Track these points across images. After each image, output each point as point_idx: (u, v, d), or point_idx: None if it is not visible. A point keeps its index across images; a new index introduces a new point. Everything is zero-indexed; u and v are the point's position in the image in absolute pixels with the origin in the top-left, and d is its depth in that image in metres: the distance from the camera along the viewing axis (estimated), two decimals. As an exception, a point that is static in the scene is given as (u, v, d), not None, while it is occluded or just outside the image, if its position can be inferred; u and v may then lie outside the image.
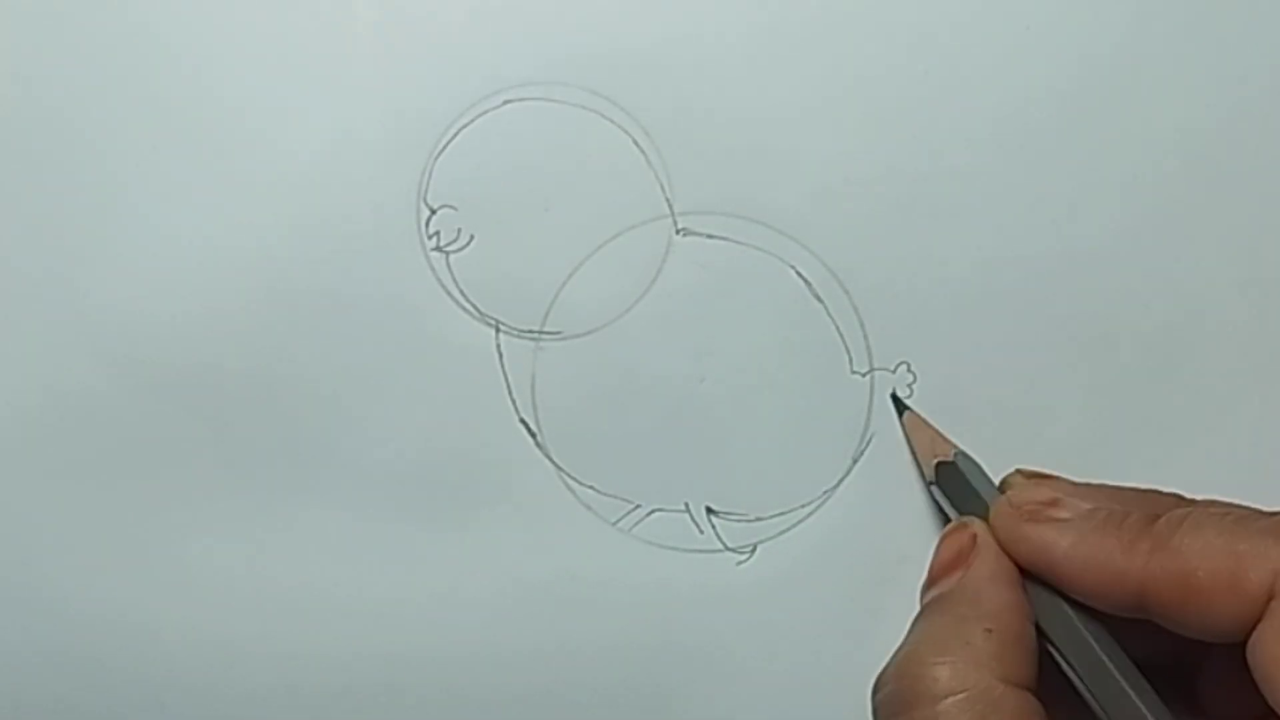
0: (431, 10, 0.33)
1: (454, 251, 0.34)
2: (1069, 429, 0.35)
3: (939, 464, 0.32)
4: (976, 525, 0.30)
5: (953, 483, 0.32)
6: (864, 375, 0.35)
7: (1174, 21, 0.35)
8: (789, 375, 0.34)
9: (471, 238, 0.34)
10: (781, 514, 0.34)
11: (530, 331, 0.34)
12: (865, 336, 0.34)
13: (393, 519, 0.34)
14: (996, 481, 0.32)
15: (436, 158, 0.34)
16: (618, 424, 0.34)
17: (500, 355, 0.34)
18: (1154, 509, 0.28)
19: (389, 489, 0.34)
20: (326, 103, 0.33)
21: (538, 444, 0.34)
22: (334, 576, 0.34)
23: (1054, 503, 0.29)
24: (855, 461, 0.35)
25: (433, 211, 0.34)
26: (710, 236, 0.34)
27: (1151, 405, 0.35)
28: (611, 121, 0.34)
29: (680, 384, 0.34)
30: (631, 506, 0.34)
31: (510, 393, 0.34)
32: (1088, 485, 0.31)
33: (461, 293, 0.34)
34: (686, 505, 0.34)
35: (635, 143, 0.34)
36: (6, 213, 0.33)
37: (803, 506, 0.34)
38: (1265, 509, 0.27)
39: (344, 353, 0.34)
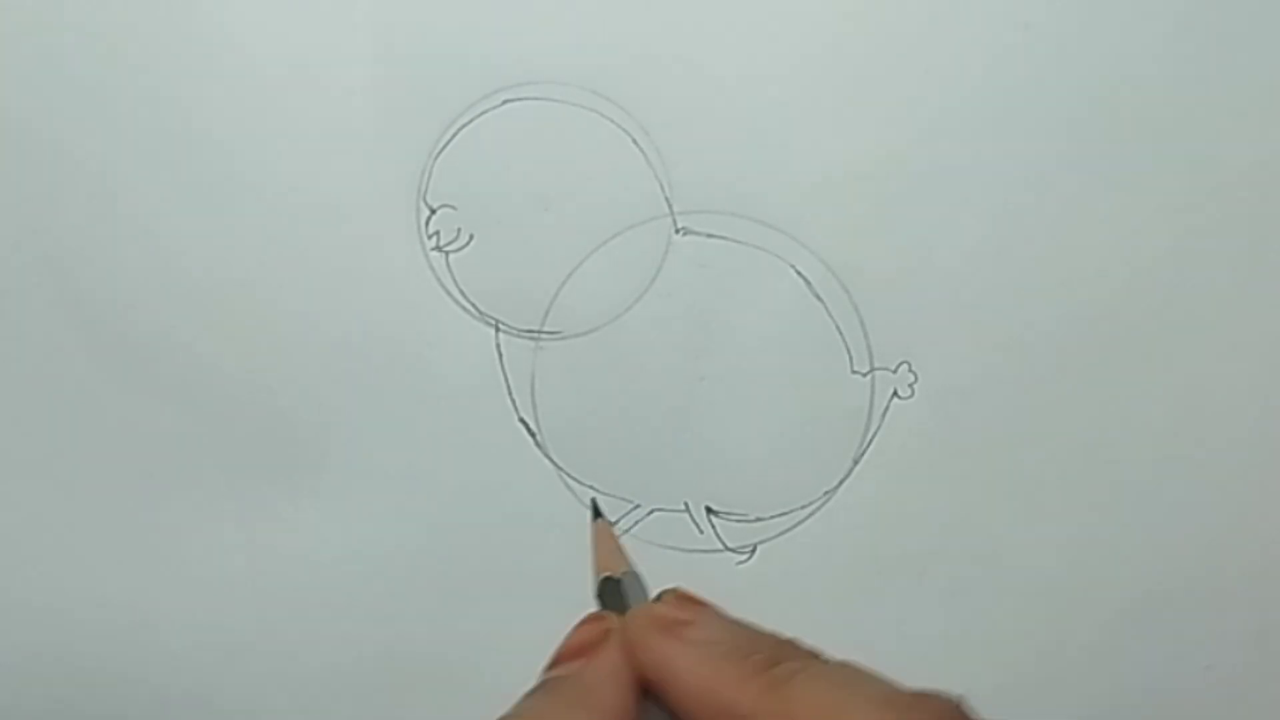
0: (431, 10, 0.33)
1: (454, 251, 0.34)
2: (1069, 429, 0.35)
3: (604, 578, 0.32)
4: (613, 621, 0.31)
5: (613, 599, 0.32)
6: (864, 375, 0.34)
7: (1173, 20, 0.35)
8: (789, 375, 0.34)
9: (471, 237, 0.34)
10: (781, 514, 0.34)
11: (530, 331, 0.34)
12: (866, 335, 0.34)
13: (392, 519, 0.34)
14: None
15: (436, 158, 0.34)
16: (618, 424, 0.34)
17: (500, 355, 0.34)
18: (786, 656, 0.28)
19: (389, 488, 0.34)
20: (326, 102, 0.33)
21: (538, 444, 0.34)
22: (334, 576, 0.34)
23: (689, 623, 0.29)
24: (855, 462, 0.35)
25: (433, 211, 0.34)
26: (710, 235, 0.34)
27: (1152, 405, 0.35)
28: (611, 121, 0.34)
29: (680, 384, 0.34)
30: (631, 506, 0.34)
31: (510, 392, 0.34)
32: (737, 622, 0.31)
33: (461, 292, 0.34)
34: (686, 505, 0.34)
35: (635, 142, 0.34)
36: (6, 213, 0.33)
37: (803, 507, 0.34)
38: (898, 682, 0.27)
39: (344, 352, 0.34)
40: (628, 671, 0.29)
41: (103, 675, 0.34)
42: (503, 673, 0.34)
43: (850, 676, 0.27)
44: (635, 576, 0.32)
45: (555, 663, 0.31)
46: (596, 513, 0.34)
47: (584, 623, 0.31)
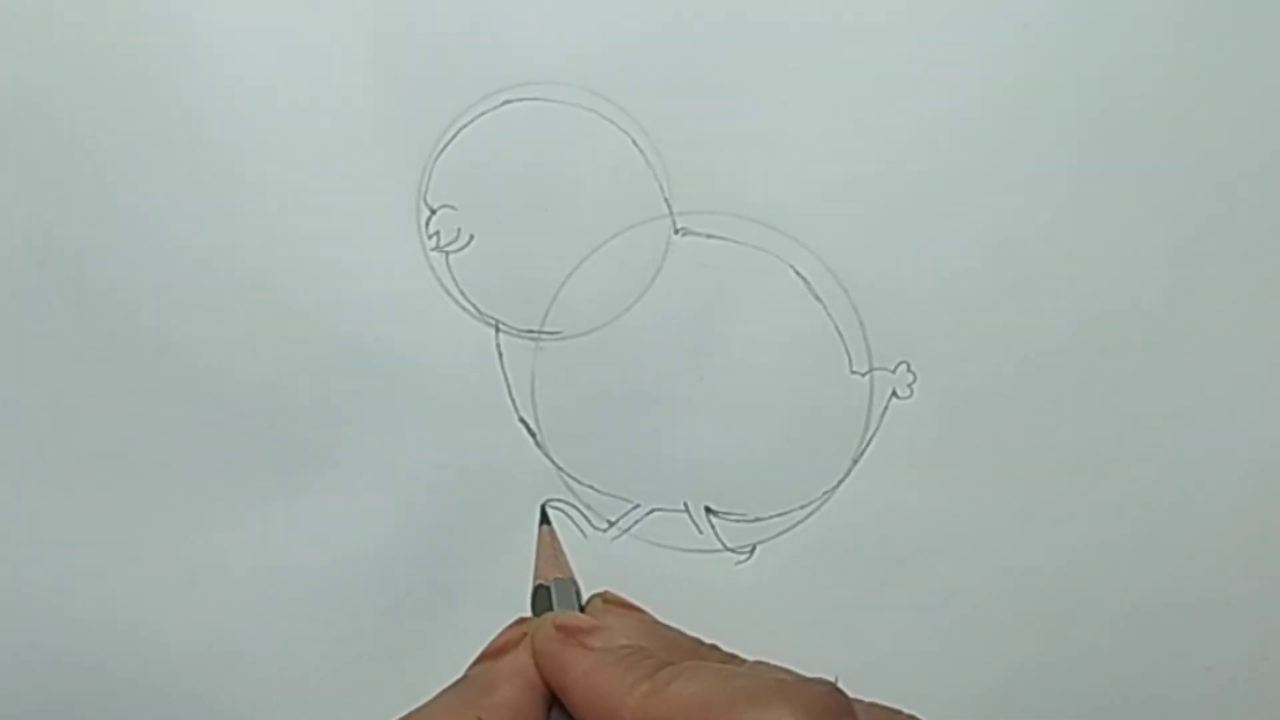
0: (431, 10, 0.33)
1: (454, 251, 0.34)
2: (1069, 428, 0.35)
3: (536, 586, 0.33)
4: (530, 626, 0.31)
5: (544, 605, 0.32)
6: (864, 375, 0.34)
7: (1173, 20, 0.35)
8: (789, 375, 0.34)
9: (471, 238, 0.34)
10: (781, 514, 0.34)
11: (530, 331, 0.34)
12: (865, 336, 0.34)
13: (393, 519, 0.34)
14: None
15: (436, 158, 0.34)
16: (617, 424, 0.34)
17: (500, 355, 0.34)
18: (681, 659, 0.28)
19: (389, 488, 0.34)
20: (327, 103, 0.33)
21: (538, 443, 0.34)
22: (334, 576, 0.34)
23: (590, 631, 0.30)
24: (855, 462, 0.35)
25: (433, 211, 0.34)
26: (709, 236, 0.34)
27: (1152, 405, 0.35)
28: (611, 121, 0.34)
29: (680, 384, 0.34)
30: (631, 506, 0.34)
31: (510, 392, 0.34)
32: (656, 625, 0.33)
33: (461, 293, 0.34)
34: (686, 505, 0.34)
35: (634, 142, 0.34)
36: (6, 213, 0.33)
37: (802, 507, 0.34)
38: (785, 667, 0.28)
39: (344, 352, 0.34)
40: (532, 675, 0.30)
41: (102, 675, 0.34)
42: (502, 672, 0.34)
43: (729, 672, 0.27)
44: (568, 584, 0.33)
45: (476, 661, 0.31)
46: (544, 519, 0.34)
47: (508, 626, 0.32)
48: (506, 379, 0.34)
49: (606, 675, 0.28)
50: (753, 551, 0.34)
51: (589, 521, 0.34)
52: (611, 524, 0.34)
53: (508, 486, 0.34)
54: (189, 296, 0.33)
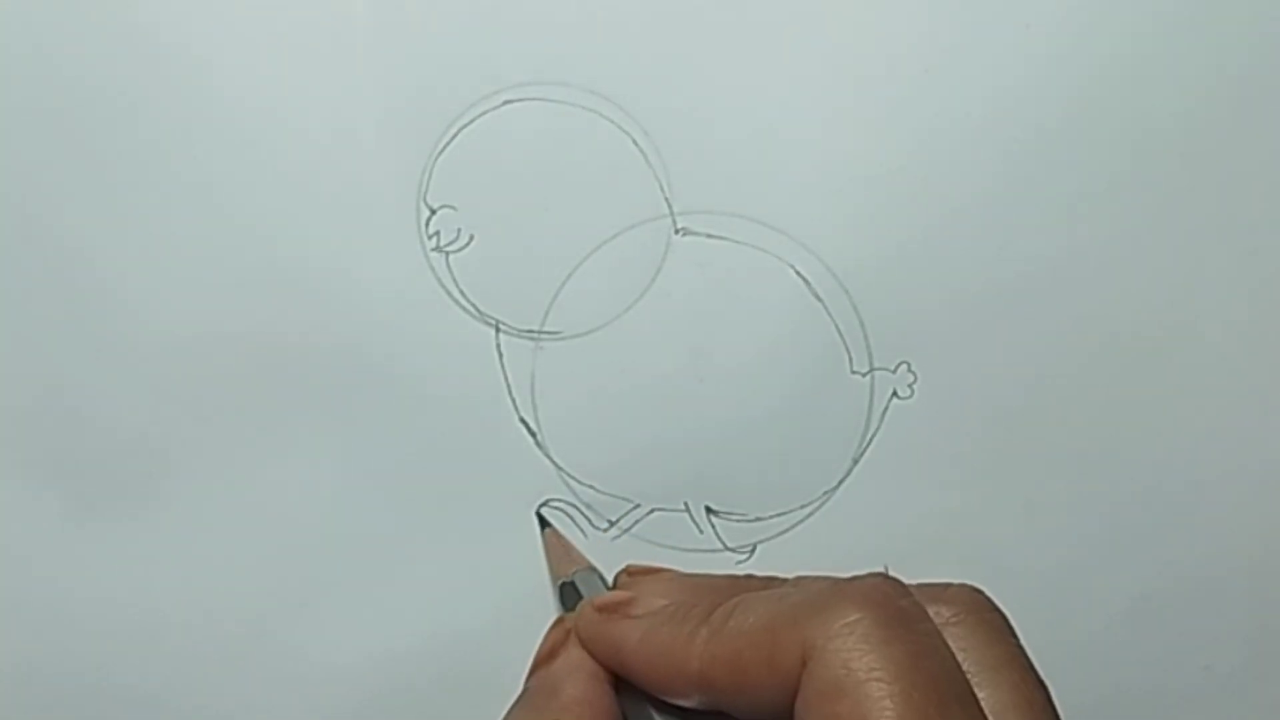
0: (431, 10, 0.33)
1: (454, 251, 0.34)
2: (1069, 429, 0.35)
3: (561, 584, 0.33)
4: (571, 620, 0.31)
5: (574, 599, 0.32)
6: (864, 375, 0.35)
7: (1174, 20, 0.35)
8: (789, 375, 0.34)
9: (471, 238, 0.34)
10: (781, 514, 0.34)
11: (530, 331, 0.34)
12: (865, 336, 0.34)
13: (393, 519, 0.34)
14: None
15: (436, 158, 0.34)
16: (618, 424, 0.34)
17: (500, 355, 0.34)
18: (731, 593, 0.28)
19: (389, 488, 0.34)
20: (326, 102, 0.33)
21: (538, 444, 0.34)
22: (334, 576, 0.34)
23: (629, 602, 0.30)
24: (855, 462, 0.35)
25: (433, 211, 0.34)
26: (710, 236, 0.34)
27: (1152, 405, 0.35)
28: (611, 121, 0.34)
29: (680, 384, 0.34)
30: (631, 506, 0.34)
31: (510, 392, 0.34)
32: (688, 576, 0.32)
33: (461, 293, 0.34)
34: (686, 505, 0.34)
35: (635, 142, 0.34)
36: (6, 212, 0.33)
37: (802, 507, 0.35)
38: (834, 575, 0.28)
39: (344, 352, 0.34)
40: (590, 664, 0.30)
41: (102, 675, 0.33)
42: (503, 673, 0.34)
43: (780, 593, 0.27)
44: (590, 572, 0.33)
45: (529, 673, 0.31)
46: (543, 523, 0.34)
47: (549, 630, 0.32)
48: (506, 379, 0.34)
49: (662, 635, 0.28)
50: (753, 551, 0.34)
51: (589, 521, 0.34)
52: (612, 524, 0.34)
53: (508, 486, 0.34)
54: (189, 296, 0.33)
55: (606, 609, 0.30)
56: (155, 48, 0.33)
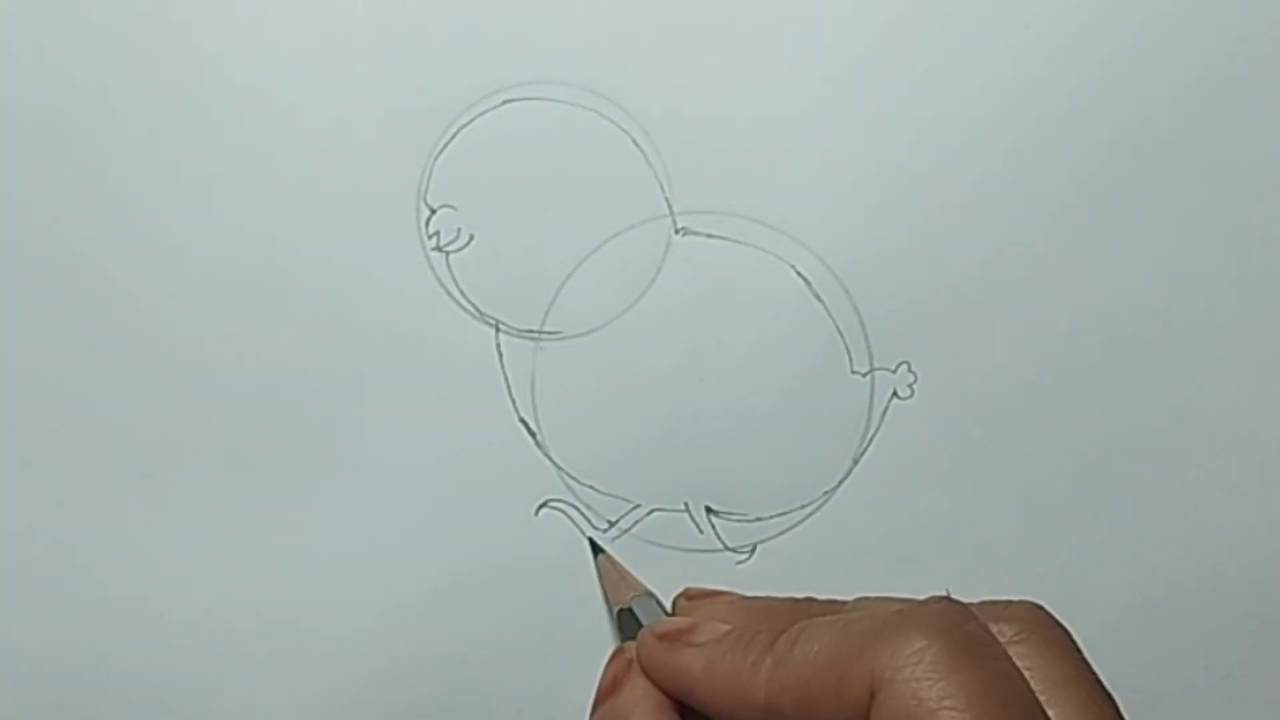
0: (431, 10, 0.33)
1: (454, 251, 0.34)
2: (1069, 429, 0.35)
3: (618, 611, 0.33)
4: (633, 651, 0.31)
5: (632, 626, 0.32)
6: (864, 375, 0.35)
7: (1175, 20, 0.35)
8: (789, 375, 0.34)
9: (471, 237, 0.34)
10: (781, 514, 0.34)
11: (530, 331, 0.34)
12: (865, 336, 0.34)
13: (393, 519, 0.34)
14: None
15: (436, 158, 0.34)
16: (618, 424, 0.34)
17: (500, 355, 0.34)
18: (793, 618, 0.28)
19: (389, 488, 0.34)
20: (326, 102, 0.33)
21: (538, 444, 0.34)
22: (334, 576, 0.34)
23: (692, 629, 0.30)
24: (855, 462, 0.35)
25: (433, 211, 0.34)
26: (710, 236, 0.34)
27: (1151, 405, 0.35)
28: (611, 121, 0.34)
29: (680, 384, 0.34)
30: (631, 506, 0.34)
31: (510, 392, 0.34)
32: (747, 600, 0.32)
33: (461, 292, 0.34)
34: (686, 505, 0.34)
35: (635, 142, 0.34)
36: (7, 212, 0.33)
37: (803, 507, 0.34)
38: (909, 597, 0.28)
39: (344, 353, 0.34)
40: (654, 694, 0.30)
41: (102, 676, 0.33)
42: (503, 673, 0.34)
43: (845, 620, 0.27)
44: (647, 596, 0.33)
45: (594, 706, 0.31)
46: (596, 550, 0.34)
47: (610, 661, 0.32)
48: (506, 379, 0.34)
49: (727, 663, 0.28)
50: (753, 551, 0.34)
51: (589, 521, 0.34)
52: (612, 524, 0.34)
53: (508, 486, 0.34)
54: (188, 296, 0.33)
55: (668, 637, 0.30)
56: (155, 48, 0.33)
